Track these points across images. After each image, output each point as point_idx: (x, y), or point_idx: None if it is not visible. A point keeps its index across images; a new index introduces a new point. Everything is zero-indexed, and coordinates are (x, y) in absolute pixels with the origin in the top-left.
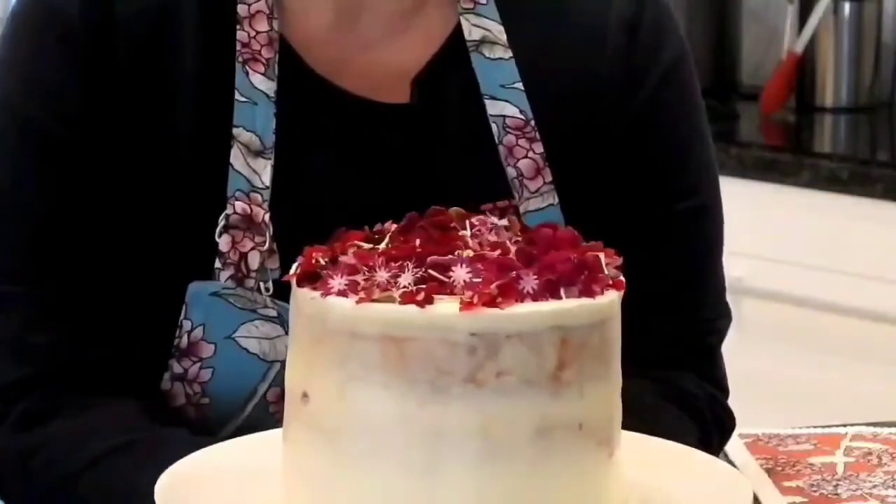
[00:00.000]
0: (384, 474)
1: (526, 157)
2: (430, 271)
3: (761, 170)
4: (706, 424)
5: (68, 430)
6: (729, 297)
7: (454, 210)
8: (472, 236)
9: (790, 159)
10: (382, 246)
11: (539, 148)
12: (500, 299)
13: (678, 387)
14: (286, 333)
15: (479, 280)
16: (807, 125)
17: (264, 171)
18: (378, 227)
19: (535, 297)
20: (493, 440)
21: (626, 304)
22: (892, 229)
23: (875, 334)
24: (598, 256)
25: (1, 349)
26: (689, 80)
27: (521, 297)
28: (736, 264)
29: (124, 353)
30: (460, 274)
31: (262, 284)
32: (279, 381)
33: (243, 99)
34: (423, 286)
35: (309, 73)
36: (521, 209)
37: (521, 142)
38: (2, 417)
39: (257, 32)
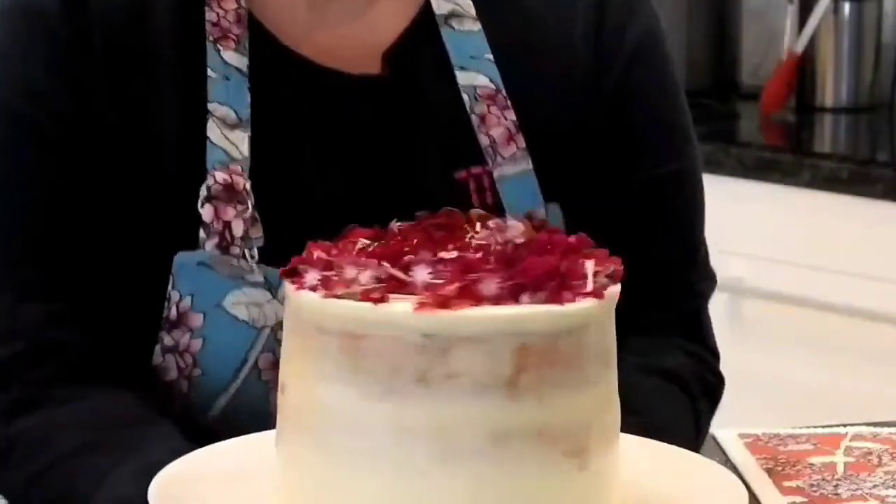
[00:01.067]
0: (355, 470)
1: (498, 124)
2: (394, 271)
3: (761, 170)
4: (690, 391)
5: (45, 423)
6: (729, 297)
7: (474, 211)
8: (473, 237)
9: (790, 159)
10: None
11: (511, 115)
12: (454, 301)
13: (659, 357)
14: (274, 298)
15: (441, 281)
16: (807, 125)
17: (242, 143)
18: (391, 225)
19: (497, 300)
20: (447, 442)
21: None
22: (892, 229)
23: (875, 334)
24: (582, 263)
25: None
26: (661, 49)
27: (478, 300)
28: (736, 264)
29: (115, 332)
30: (421, 274)
31: (247, 252)
32: (270, 346)
33: (216, 75)
34: (384, 284)
35: (280, 48)
36: (496, 175)
37: (493, 109)
38: None
39: (226, 11)
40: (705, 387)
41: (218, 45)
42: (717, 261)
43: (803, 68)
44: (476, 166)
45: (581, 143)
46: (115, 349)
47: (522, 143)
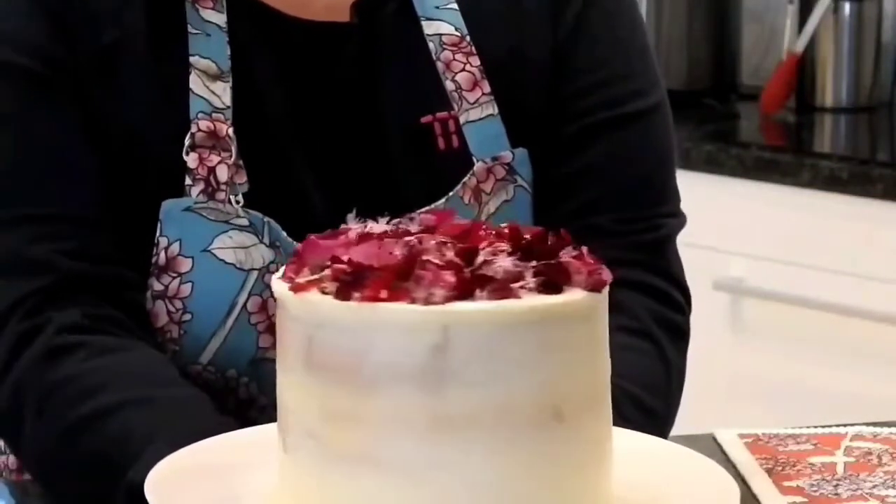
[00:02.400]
0: None
1: (463, 70)
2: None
3: (761, 170)
4: (654, 338)
5: (87, 371)
6: (729, 297)
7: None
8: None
9: (790, 159)
10: None
11: (476, 61)
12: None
13: (619, 310)
14: (260, 242)
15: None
16: (807, 125)
17: (224, 93)
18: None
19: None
20: None
21: (573, 211)
22: (892, 229)
23: (875, 334)
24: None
25: (4, 269)
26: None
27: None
28: (736, 264)
29: (122, 275)
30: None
31: (232, 197)
32: (258, 289)
33: (196, 31)
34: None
35: (255, 2)
36: (462, 119)
37: (458, 56)
38: (23, 338)
39: None
40: (671, 330)
41: (196, 5)
42: (717, 261)
43: (803, 68)
44: (442, 111)
45: (543, 99)
46: (123, 295)
47: (488, 89)
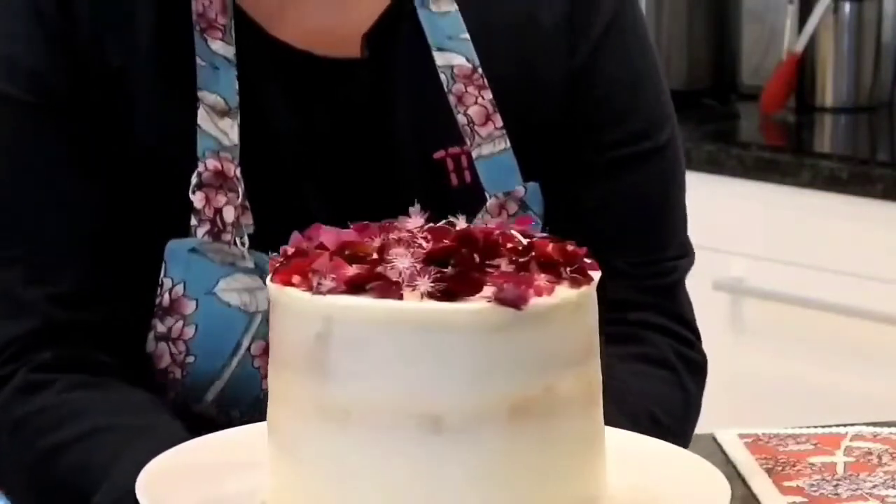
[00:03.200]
0: None
1: (475, 103)
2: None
3: (761, 170)
4: (674, 369)
5: (58, 403)
6: (729, 297)
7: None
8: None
9: (790, 159)
10: None
11: (488, 94)
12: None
13: (638, 342)
14: (265, 284)
15: None
16: (807, 125)
17: (231, 130)
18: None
19: None
20: None
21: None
22: (892, 229)
23: (875, 334)
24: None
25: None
26: (633, 26)
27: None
28: (736, 264)
29: (116, 316)
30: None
31: (238, 239)
32: (262, 333)
33: (204, 64)
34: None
35: (264, 35)
36: (474, 154)
37: (470, 89)
38: (7, 377)
39: (210, 1)
40: (690, 365)
41: (205, 35)
42: (717, 261)
43: (803, 68)
44: (454, 146)
45: (555, 123)
46: (119, 333)
47: (500, 123)
